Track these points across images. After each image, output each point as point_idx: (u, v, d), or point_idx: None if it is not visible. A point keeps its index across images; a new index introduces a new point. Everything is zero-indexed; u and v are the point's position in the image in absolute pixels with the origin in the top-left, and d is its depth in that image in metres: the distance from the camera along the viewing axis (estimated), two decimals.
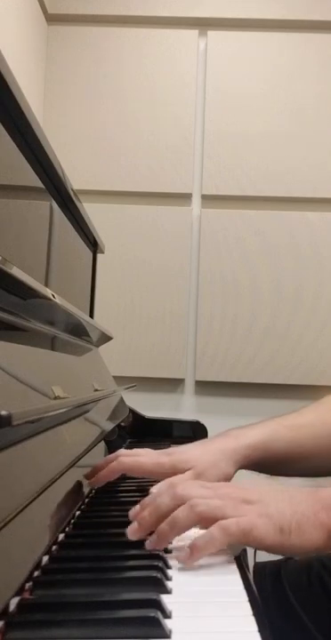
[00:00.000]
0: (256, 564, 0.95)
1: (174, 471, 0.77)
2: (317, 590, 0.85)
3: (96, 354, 1.38)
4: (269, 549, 0.58)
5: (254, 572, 0.93)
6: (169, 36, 2.16)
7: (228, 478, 0.80)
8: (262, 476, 0.90)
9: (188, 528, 0.59)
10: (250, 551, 0.64)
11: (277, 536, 0.57)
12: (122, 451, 0.78)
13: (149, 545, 0.58)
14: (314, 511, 0.59)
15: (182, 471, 0.78)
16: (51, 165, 0.93)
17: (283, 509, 0.59)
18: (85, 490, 0.78)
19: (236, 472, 0.82)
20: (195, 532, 0.59)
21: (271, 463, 0.86)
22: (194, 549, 0.57)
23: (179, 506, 0.60)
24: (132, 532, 0.61)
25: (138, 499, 0.77)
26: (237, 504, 0.59)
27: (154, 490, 0.70)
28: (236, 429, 0.85)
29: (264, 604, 0.77)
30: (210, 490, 0.63)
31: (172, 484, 0.65)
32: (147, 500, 0.65)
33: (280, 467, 0.87)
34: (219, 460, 0.79)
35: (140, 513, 0.63)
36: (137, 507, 0.65)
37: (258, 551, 0.62)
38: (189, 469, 0.78)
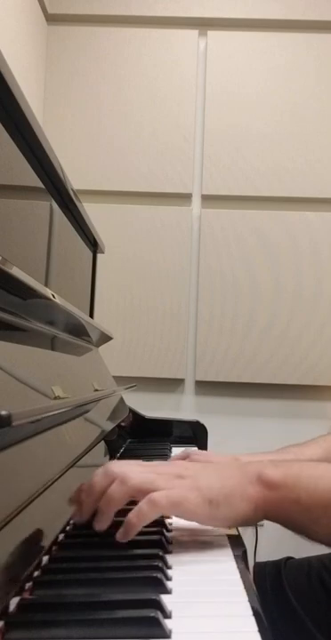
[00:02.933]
0: (256, 564, 0.95)
1: None
2: (317, 590, 0.85)
3: (96, 354, 1.38)
4: (200, 521, 0.61)
5: (254, 572, 0.93)
6: (169, 36, 2.16)
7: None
8: None
9: (123, 502, 0.61)
10: (250, 551, 0.64)
11: (206, 508, 0.60)
12: (192, 451, 0.79)
13: (118, 537, 0.59)
14: (241, 485, 0.62)
15: None
16: (51, 165, 0.93)
17: (212, 484, 0.62)
18: None
19: None
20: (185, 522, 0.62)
21: None
22: (128, 526, 0.59)
23: (127, 493, 0.61)
24: (74, 516, 0.64)
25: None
26: (169, 478, 0.62)
27: None
28: (293, 447, 0.88)
29: (264, 604, 0.77)
30: (145, 467, 0.65)
31: (108, 463, 0.66)
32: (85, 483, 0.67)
33: None
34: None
35: (77, 495, 0.64)
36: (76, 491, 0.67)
37: (258, 551, 0.63)
38: None
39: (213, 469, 0.66)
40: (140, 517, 0.58)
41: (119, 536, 0.59)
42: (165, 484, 0.61)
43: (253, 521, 0.62)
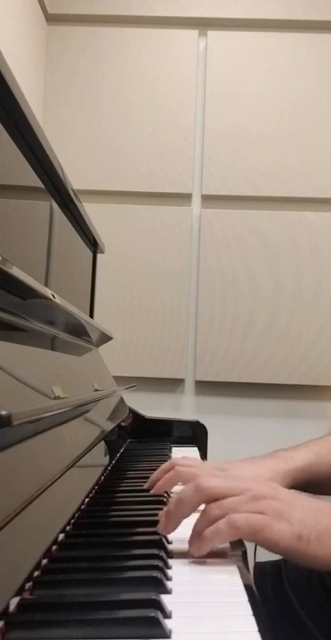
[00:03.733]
0: (256, 564, 0.95)
1: None
2: (317, 590, 0.85)
3: (96, 354, 1.38)
4: (283, 553, 0.57)
5: (254, 572, 0.93)
6: (169, 36, 2.16)
7: None
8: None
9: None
10: (250, 551, 0.64)
11: (293, 542, 0.56)
12: (177, 460, 0.76)
13: (191, 550, 0.58)
14: None
15: None
16: (51, 165, 0.93)
17: (306, 518, 0.57)
18: (85, 490, 0.78)
19: None
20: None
21: (315, 484, 0.86)
22: (202, 541, 0.57)
23: (201, 499, 0.60)
24: (163, 529, 0.61)
25: (138, 499, 0.78)
26: (257, 500, 0.58)
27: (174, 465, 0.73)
28: (283, 452, 0.86)
29: (264, 604, 0.77)
30: (233, 483, 0.61)
31: (200, 474, 0.64)
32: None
33: (323, 487, 0.88)
34: (273, 480, 0.77)
35: (166, 510, 0.62)
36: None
37: (258, 551, 0.62)
38: None
39: (310, 501, 0.61)
40: (215, 536, 0.56)
41: (193, 550, 0.57)
42: (250, 506, 0.57)
43: None
